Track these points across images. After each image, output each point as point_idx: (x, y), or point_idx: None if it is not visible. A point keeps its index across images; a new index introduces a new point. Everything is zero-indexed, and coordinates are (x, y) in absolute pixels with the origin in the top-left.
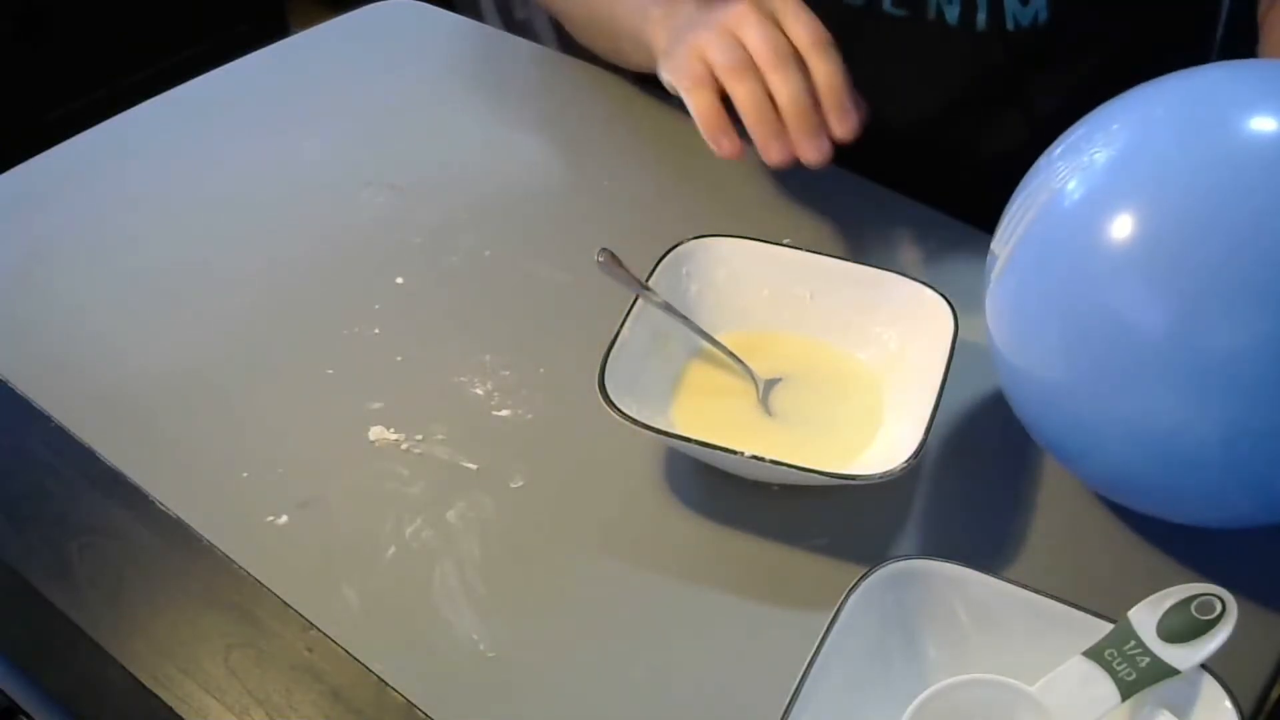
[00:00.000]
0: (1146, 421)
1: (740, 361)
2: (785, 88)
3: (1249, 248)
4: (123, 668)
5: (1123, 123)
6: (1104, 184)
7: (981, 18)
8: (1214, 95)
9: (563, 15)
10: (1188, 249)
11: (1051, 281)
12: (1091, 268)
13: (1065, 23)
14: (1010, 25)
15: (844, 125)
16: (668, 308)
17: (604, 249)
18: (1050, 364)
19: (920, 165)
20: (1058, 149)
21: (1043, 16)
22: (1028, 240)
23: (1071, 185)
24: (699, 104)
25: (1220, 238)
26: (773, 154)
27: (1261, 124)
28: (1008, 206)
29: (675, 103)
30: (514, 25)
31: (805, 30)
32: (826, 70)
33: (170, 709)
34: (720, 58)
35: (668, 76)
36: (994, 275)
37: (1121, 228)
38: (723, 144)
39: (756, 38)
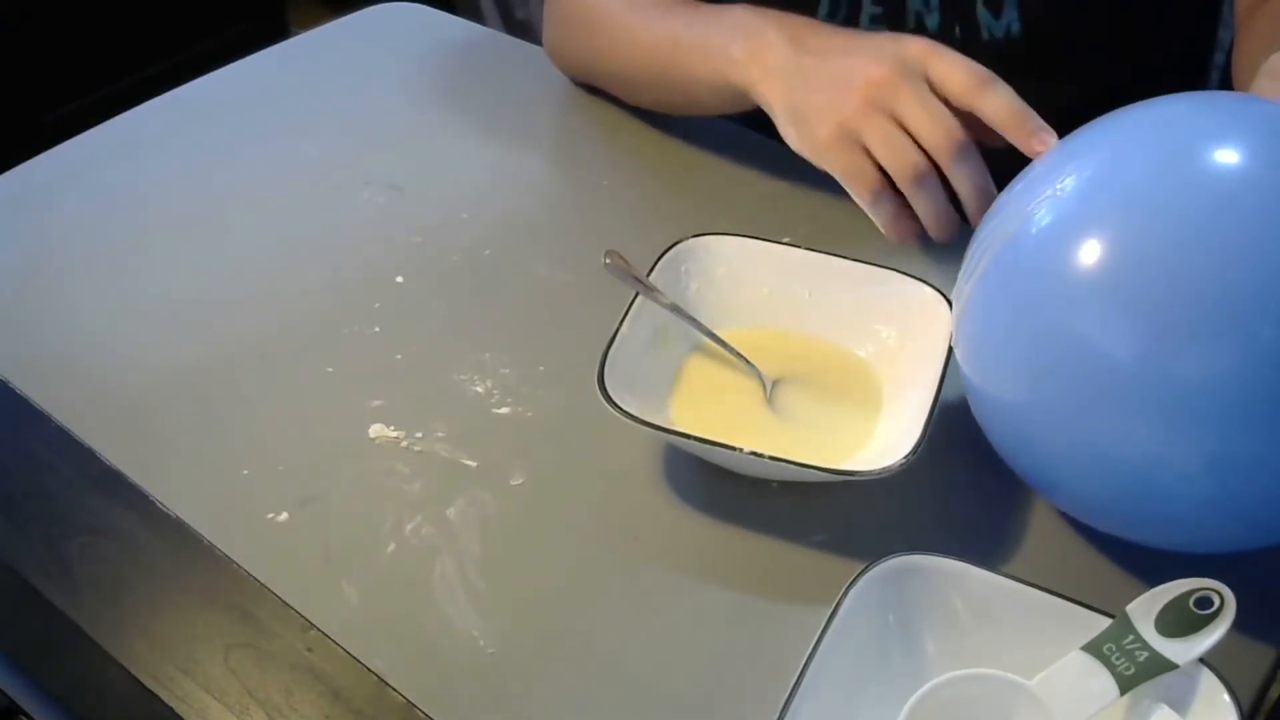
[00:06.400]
0: (1123, 453)
1: (747, 361)
2: (968, 183)
3: (1219, 278)
4: (123, 668)
5: (1090, 153)
6: (1072, 215)
7: (957, 29)
8: (1181, 126)
9: (610, 81)
10: (1158, 280)
11: (1020, 313)
12: (1061, 299)
13: (1038, 36)
14: (985, 36)
15: (1044, 145)
16: (675, 309)
17: (611, 250)
18: (1022, 397)
19: None
20: (1020, 183)
21: (1015, 29)
22: (995, 273)
23: (1040, 215)
24: (884, 217)
25: (1189, 268)
26: (949, 238)
27: (1228, 155)
28: (972, 239)
29: None
30: (514, 25)
31: (963, 74)
32: (998, 105)
33: (170, 709)
34: (891, 158)
35: (820, 162)
36: (961, 308)
37: (1090, 260)
38: (910, 240)
39: (924, 124)
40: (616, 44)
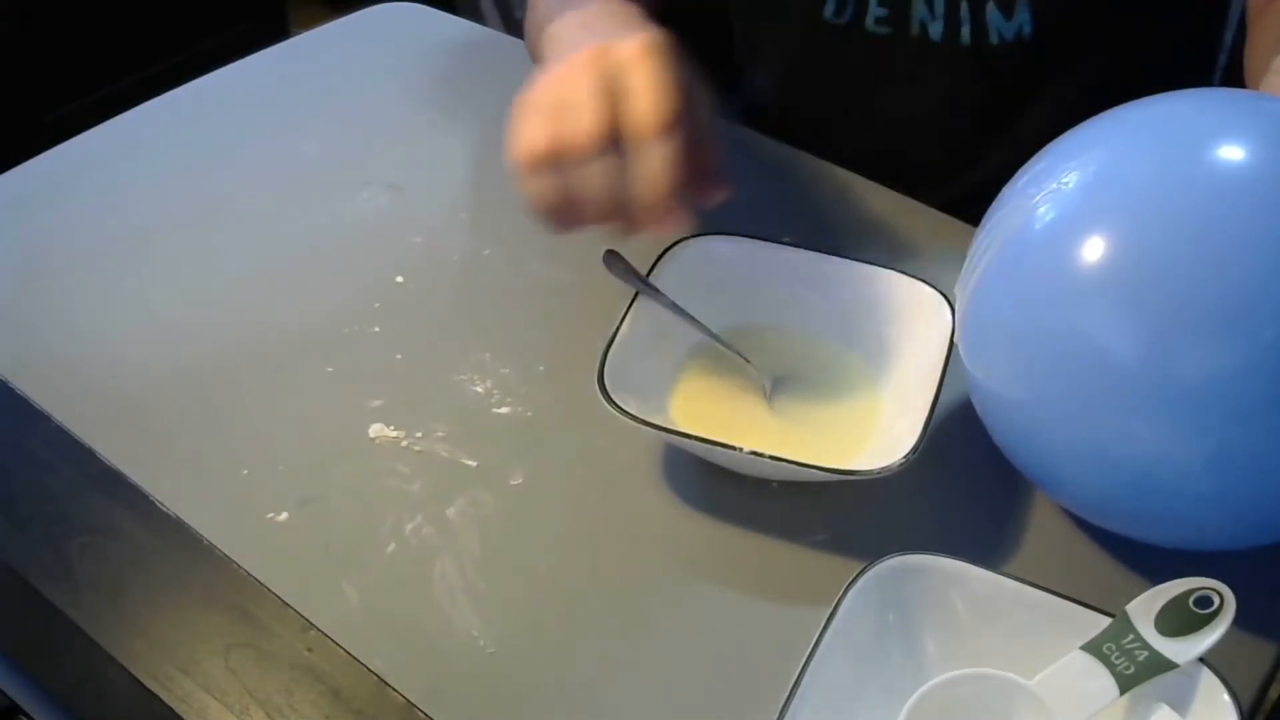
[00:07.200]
0: (1125, 449)
1: (748, 361)
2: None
3: (1222, 276)
4: (123, 668)
5: (1094, 149)
6: (1075, 211)
7: (965, 32)
8: (1186, 123)
9: None
10: (1161, 277)
11: (1023, 310)
12: (1064, 296)
13: (1049, 37)
14: (994, 39)
15: (666, 223)
16: (675, 308)
17: (610, 249)
18: (1025, 394)
19: (905, 183)
20: (1024, 177)
21: (1027, 30)
22: (999, 269)
23: (1042, 212)
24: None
25: (1192, 266)
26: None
27: (1233, 153)
28: (975, 235)
29: None
30: (514, 25)
31: (648, 113)
32: (655, 168)
33: (170, 709)
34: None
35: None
36: (965, 303)
37: (1093, 257)
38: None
39: (591, 173)
40: (528, 35)
